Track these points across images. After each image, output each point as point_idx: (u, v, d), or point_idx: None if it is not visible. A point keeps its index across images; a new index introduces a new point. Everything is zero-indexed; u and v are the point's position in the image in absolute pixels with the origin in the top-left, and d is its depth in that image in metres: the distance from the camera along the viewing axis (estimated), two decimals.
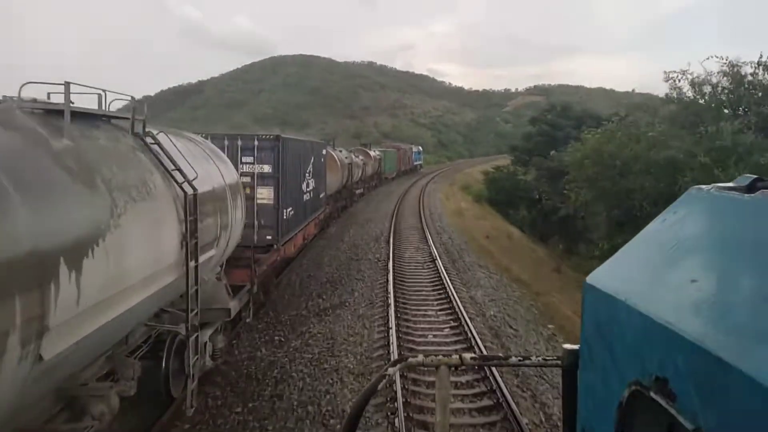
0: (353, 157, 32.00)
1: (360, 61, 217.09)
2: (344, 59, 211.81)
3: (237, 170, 12.77)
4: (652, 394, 1.33)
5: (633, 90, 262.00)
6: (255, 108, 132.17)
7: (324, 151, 21.21)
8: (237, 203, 8.60)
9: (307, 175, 17.01)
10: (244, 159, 12.84)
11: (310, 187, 17.76)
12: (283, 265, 15.66)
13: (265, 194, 12.89)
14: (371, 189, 42.76)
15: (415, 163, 71.36)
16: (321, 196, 20.71)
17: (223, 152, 12.73)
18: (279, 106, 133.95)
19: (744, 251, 1.36)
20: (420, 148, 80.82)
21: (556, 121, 58.00)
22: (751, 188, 1.54)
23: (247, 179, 12.86)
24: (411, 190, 43.48)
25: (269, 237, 12.96)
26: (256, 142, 12.79)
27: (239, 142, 12.78)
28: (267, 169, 12.86)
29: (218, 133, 13.11)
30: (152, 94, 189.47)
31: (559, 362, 2.20)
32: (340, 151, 28.70)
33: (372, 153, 42.10)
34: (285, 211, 13.54)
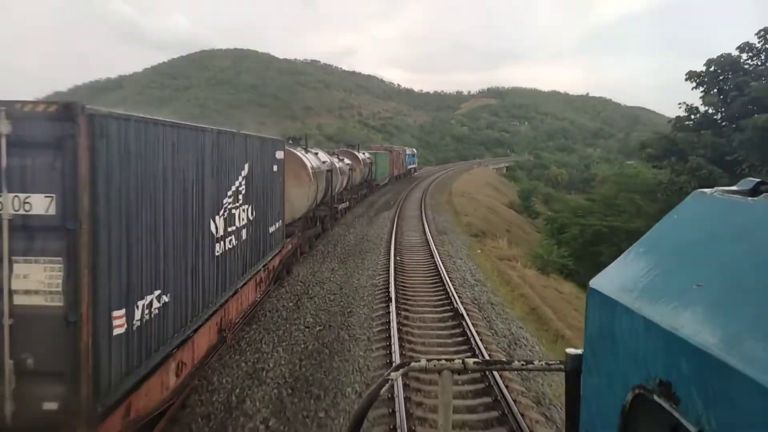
0: (336, 161, 24.04)
1: (303, 59, 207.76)
2: (284, 56, 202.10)
3: None
4: (655, 397, 1.35)
5: (587, 93, 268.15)
6: (180, 106, 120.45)
7: (279, 154, 13.01)
8: None
9: (228, 201, 8.86)
10: None
11: (242, 222, 9.73)
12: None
13: (36, 280, 4.55)
14: (359, 200, 34.44)
15: (410, 167, 65.27)
16: (273, 229, 12.61)
17: None
18: (209, 104, 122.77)
19: (748, 255, 1.37)
20: (414, 150, 75.98)
21: None
22: (754, 192, 1.55)
23: None
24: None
25: (51, 405, 4.58)
26: (4, 129, 4.44)
27: None
28: (40, 205, 4.54)
29: None
30: (65, 89, 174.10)
31: (562, 366, 2.21)
32: (315, 154, 20.17)
33: (361, 156, 34.27)
34: (123, 322, 5.21)
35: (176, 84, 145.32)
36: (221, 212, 8.57)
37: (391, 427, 7.23)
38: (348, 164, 28.14)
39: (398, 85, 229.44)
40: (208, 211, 7.94)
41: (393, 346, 10.01)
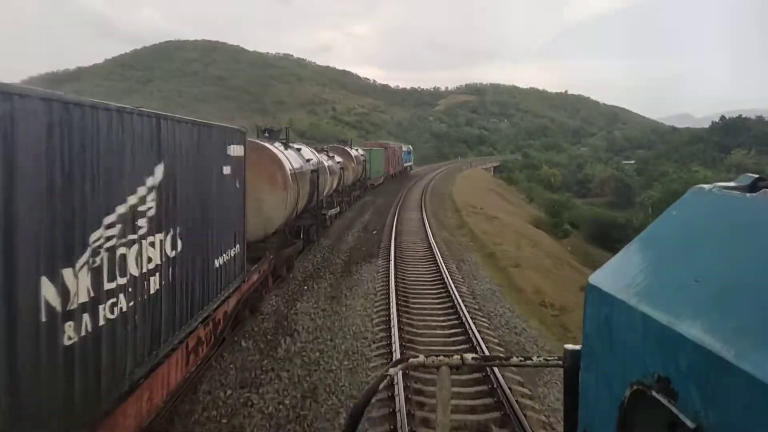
0: (324, 159, 20.18)
1: (275, 53, 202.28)
2: (255, 49, 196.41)
3: None
4: (653, 393, 1.34)
5: (565, 91, 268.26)
6: (142, 99, 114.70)
7: (235, 149, 9.16)
8: None
9: (107, 234, 4.90)
10: None
11: (148, 266, 5.73)
12: None
13: None
14: (351, 202, 30.13)
15: (406, 165, 62.42)
16: (225, 260, 8.81)
17: None
18: (173, 97, 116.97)
19: (746, 250, 1.37)
20: (410, 147, 71.86)
21: None
22: (753, 187, 1.55)
23: None
24: None
25: None
26: None
27: None
28: None
29: None
30: (18, 81, 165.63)
31: (560, 362, 2.20)
32: (298, 150, 15.99)
33: (354, 152, 30.64)
34: None
35: (138, 75, 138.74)
36: (83, 258, 4.39)
37: None
38: (339, 162, 24.25)
39: (374, 81, 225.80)
40: (37, 261, 3.78)
41: None
